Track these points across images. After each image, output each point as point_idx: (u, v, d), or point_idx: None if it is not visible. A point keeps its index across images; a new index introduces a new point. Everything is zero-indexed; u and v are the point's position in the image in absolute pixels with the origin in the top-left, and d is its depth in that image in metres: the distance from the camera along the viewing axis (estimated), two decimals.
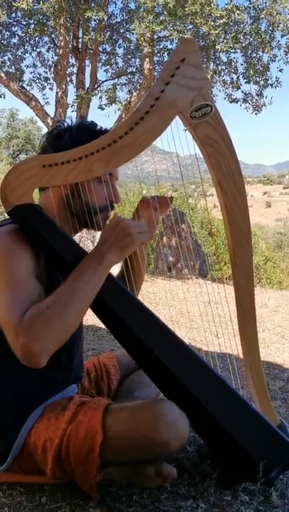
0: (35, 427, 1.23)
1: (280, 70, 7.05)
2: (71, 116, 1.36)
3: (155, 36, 6.45)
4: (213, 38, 5.89)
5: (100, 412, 1.19)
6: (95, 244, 1.20)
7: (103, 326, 1.29)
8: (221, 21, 5.71)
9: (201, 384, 1.24)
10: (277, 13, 5.97)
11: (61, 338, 1.05)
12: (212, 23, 5.69)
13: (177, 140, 1.22)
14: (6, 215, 1.20)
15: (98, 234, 1.26)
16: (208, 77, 6.61)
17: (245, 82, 7.01)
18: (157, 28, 5.76)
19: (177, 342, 1.25)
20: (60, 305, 1.06)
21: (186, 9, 5.44)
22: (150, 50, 6.33)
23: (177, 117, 1.20)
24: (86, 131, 1.28)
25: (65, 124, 1.33)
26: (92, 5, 6.58)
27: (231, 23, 6.12)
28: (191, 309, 3.61)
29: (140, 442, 1.14)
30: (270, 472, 1.20)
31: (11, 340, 1.03)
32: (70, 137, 1.27)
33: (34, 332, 1.00)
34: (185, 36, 5.62)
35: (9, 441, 1.23)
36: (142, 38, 6.08)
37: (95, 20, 6.47)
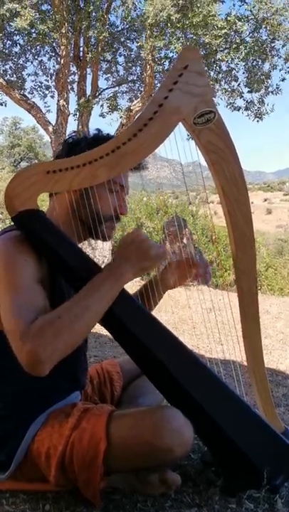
0: (38, 434, 1.23)
1: (283, 80, 7.10)
2: (85, 131, 1.35)
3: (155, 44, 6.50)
4: (214, 48, 5.94)
5: (103, 419, 1.19)
6: (96, 251, 1.19)
7: (105, 333, 1.29)
8: (222, 32, 5.76)
9: (205, 390, 1.23)
10: (277, 24, 6.01)
11: (67, 349, 1.05)
12: (214, 31, 5.73)
13: (177, 148, 1.22)
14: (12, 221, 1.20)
15: (99, 242, 1.25)
16: None
17: (248, 92, 7.06)
18: (160, 45, 5.82)
19: (181, 348, 1.25)
20: (72, 316, 1.05)
21: (187, 21, 5.50)
22: (151, 58, 6.38)
23: (179, 124, 1.20)
24: (103, 140, 1.24)
25: (81, 135, 1.33)
26: (94, 14, 6.64)
27: (232, 33, 6.17)
28: (194, 316, 3.61)
29: (144, 449, 1.13)
30: (274, 479, 1.20)
31: (16, 347, 1.02)
32: (86, 145, 1.25)
33: (42, 341, 1.00)
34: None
35: (12, 448, 1.22)
36: (143, 49, 6.15)
37: (97, 28, 6.52)
